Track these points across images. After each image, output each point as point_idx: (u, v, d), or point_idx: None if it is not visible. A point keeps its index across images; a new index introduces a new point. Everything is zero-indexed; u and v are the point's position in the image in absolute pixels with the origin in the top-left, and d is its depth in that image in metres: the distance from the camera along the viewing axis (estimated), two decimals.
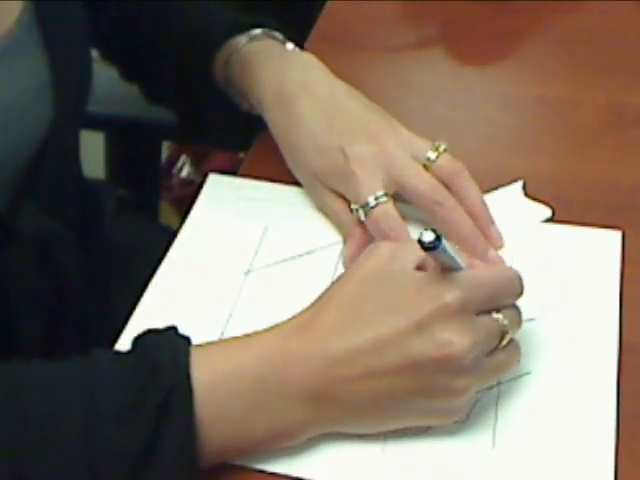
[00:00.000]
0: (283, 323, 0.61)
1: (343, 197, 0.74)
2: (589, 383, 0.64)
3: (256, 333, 0.61)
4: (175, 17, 0.90)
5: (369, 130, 0.73)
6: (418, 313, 0.58)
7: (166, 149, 1.65)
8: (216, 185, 0.81)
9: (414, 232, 0.72)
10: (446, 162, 0.73)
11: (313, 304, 0.61)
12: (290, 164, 0.78)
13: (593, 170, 0.82)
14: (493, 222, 0.74)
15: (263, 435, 0.59)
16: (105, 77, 0.99)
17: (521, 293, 0.62)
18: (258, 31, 0.84)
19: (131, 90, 0.98)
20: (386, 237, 0.70)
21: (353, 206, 0.72)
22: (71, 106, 0.78)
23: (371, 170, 0.72)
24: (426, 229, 0.56)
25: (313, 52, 0.86)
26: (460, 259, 0.60)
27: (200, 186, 0.82)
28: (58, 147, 0.76)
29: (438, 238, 0.56)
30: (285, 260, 0.74)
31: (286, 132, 0.77)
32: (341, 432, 0.61)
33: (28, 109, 0.73)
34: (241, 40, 0.83)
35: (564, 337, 0.68)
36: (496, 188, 0.78)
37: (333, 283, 0.62)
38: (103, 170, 1.20)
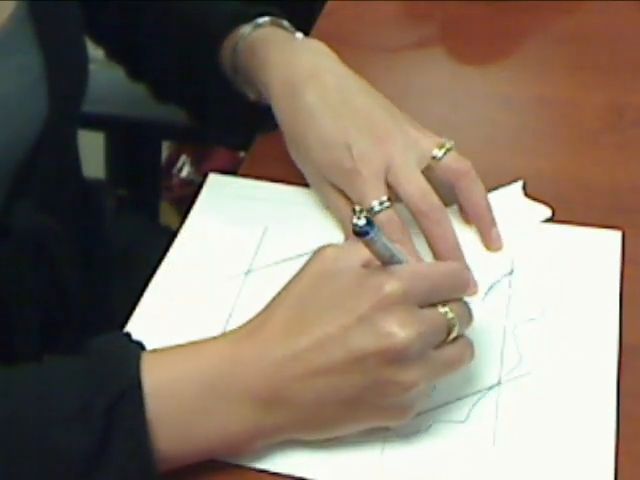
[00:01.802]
0: (235, 329, 0.61)
1: (345, 194, 0.74)
2: (589, 383, 0.64)
3: (208, 338, 0.61)
4: (177, 11, 0.90)
5: (376, 131, 0.73)
6: (359, 307, 0.58)
7: (166, 149, 1.65)
8: (216, 185, 0.81)
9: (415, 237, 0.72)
10: (452, 161, 0.72)
11: (263, 309, 0.61)
12: (294, 155, 0.78)
13: (593, 170, 0.82)
14: (495, 224, 0.73)
15: (215, 440, 0.59)
16: (105, 77, 0.99)
17: (467, 288, 0.62)
18: (265, 19, 0.83)
19: (131, 90, 0.98)
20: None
21: (356, 207, 0.72)
22: (66, 103, 0.78)
23: (375, 173, 0.71)
24: (365, 216, 0.56)
25: None
26: (401, 253, 0.60)
27: (200, 186, 0.82)
28: (53, 145, 0.76)
29: (370, 223, 0.56)
30: (285, 260, 0.74)
31: (292, 123, 0.76)
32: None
33: (22, 105, 0.73)
34: (247, 28, 0.83)
35: (564, 337, 0.67)
36: (496, 188, 0.78)
37: (282, 287, 0.62)
38: (103, 170, 1.20)
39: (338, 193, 0.74)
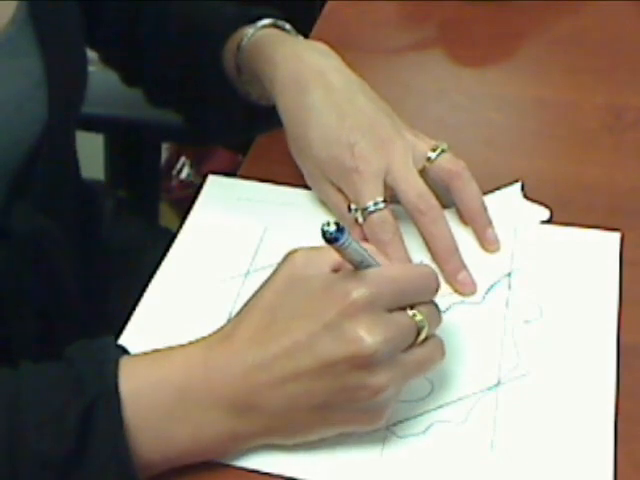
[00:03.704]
0: (208, 335, 0.61)
1: (343, 192, 0.74)
2: (588, 384, 0.64)
3: (183, 344, 0.61)
4: (178, 14, 0.90)
5: (378, 133, 0.73)
6: (327, 313, 0.58)
7: (165, 150, 1.65)
8: (215, 186, 0.82)
9: (409, 238, 0.72)
10: (445, 162, 0.73)
11: (236, 314, 0.62)
12: (294, 152, 0.78)
13: (592, 172, 0.82)
14: (490, 224, 0.74)
15: (188, 446, 0.59)
16: (105, 78, 0.99)
17: (436, 290, 0.61)
18: (268, 21, 0.83)
19: (131, 91, 0.98)
20: (380, 242, 0.70)
21: (352, 206, 0.73)
22: (66, 107, 0.78)
23: (375, 173, 0.72)
24: (336, 222, 0.56)
25: None
26: (371, 257, 0.60)
27: (199, 187, 0.82)
28: (52, 147, 0.76)
29: (340, 230, 0.56)
30: None
31: (296, 119, 0.77)
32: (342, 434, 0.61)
33: (22, 108, 0.73)
34: (251, 29, 0.83)
35: (563, 338, 0.68)
36: (495, 189, 0.78)
37: (254, 292, 0.62)
38: (102, 171, 1.20)
39: (336, 191, 0.75)
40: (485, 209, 0.74)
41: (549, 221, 0.76)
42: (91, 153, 1.13)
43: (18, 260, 0.75)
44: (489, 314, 0.69)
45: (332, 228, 0.56)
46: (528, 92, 0.92)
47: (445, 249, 0.72)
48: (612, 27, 0.99)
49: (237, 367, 0.58)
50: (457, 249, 0.72)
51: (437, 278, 0.62)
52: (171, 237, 0.77)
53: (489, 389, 0.64)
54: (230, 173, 0.83)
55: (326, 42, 0.80)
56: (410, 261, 0.72)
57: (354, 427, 0.60)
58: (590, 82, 0.91)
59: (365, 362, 0.57)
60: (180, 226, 0.78)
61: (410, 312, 0.60)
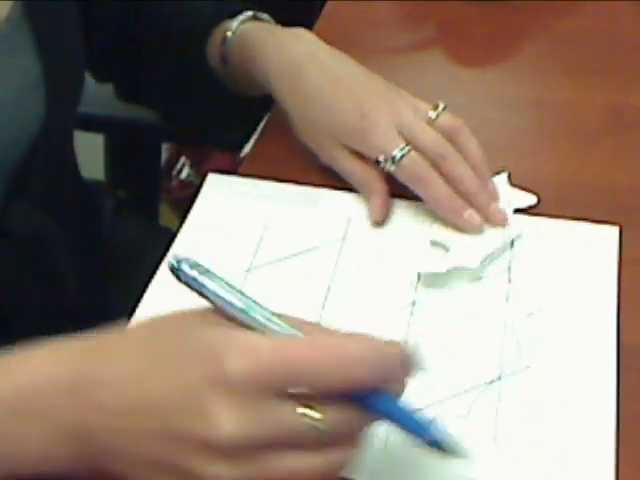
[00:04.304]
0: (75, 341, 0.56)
1: (359, 156, 0.77)
2: (589, 377, 0.65)
3: (28, 352, 0.54)
4: (157, 15, 0.90)
5: (381, 95, 0.77)
6: (189, 376, 0.48)
7: (165, 150, 1.65)
8: (215, 184, 0.82)
9: (421, 230, 0.74)
10: (446, 120, 0.77)
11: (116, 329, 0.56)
12: (303, 134, 0.80)
13: (592, 171, 0.82)
14: (491, 179, 0.76)
15: (17, 464, 0.53)
16: None
17: (358, 383, 0.48)
18: (248, 14, 0.86)
19: None
20: (421, 182, 0.74)
21: (380, 158, 0.75)
22: (63, 105, 0.78)
23: (389, 125, 0.75)
24: (183, 257, 0.49)
25: None
26: (272, 319, 0.50)
27: (200, 187, 0.82)
28: (50, 146, 0.76)
29: (181, 261, 0.49)
30: (285, 258, 0.74)
31: (296, 101, 0.79)
32: None
33: (20, 108, 0.73)
34: (233, 23, 0.85)
35: (563, 332, 0.68)
36: None
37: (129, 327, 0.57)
38: (102, 171, 1.20)
39: (352, 156, 0.77)
40: (486, 162, 0.76)
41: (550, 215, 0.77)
42: (91, 153, 1.14)
43: (18, 259, 0.75)
44: (489, 308, 0.70)
45: (173, 259, 0.49)
46: (528, 92, 0.92)
47: (473, 186, 0.74)
48: (612, 27, 0.99)
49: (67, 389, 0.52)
50: (487, 182, 0.76)
51: (368, 365, 0.48)
52: (171, 237, 0.77)
53: (491, 383, 0.64)
54: (230, 173, 0.83)
55: (326, 41, 0.81)
56: (454, 200, 0.74)
57: None
58: (590, 82, 0.91)
59: (211, 450, 0.47)
60: (180, 225, 0.78)
61: (300, 409, 0.47)
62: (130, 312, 0.71)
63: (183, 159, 1.69)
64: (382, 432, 0.61)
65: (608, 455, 0.60)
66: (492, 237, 0.74)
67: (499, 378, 0.65)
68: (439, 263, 0.71)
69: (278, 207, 0.79)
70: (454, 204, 0.74)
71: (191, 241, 0.76)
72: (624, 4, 1.01)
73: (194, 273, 0.49)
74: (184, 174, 1.69)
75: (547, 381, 0.65)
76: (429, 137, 0.75)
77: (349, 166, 0.78)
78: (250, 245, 0.75)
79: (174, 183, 1.67)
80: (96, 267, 0.89)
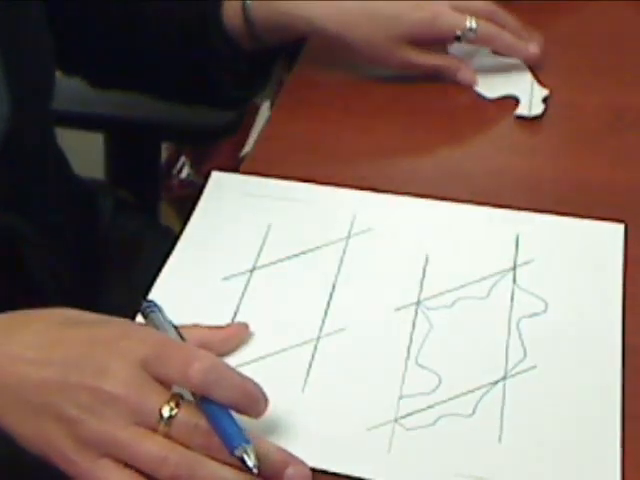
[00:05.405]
0: None
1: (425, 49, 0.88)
2: (594, 376, 0.65)
3: None
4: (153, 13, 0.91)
5: None
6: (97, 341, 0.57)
7: (165, 150, 1.65)
8: (219, 183, 0.81)
9: (426, 229, 0.75)
10: (482, 5, 0.90)
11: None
12: (365, 51, 0.87)
13: (593, 171, 0.82)
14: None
15: None
16: None
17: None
18: None
19: (131, 91, 0.99)
20: (494, 38, 0.89)
21: (458, 33, 0.87)
22: (31, 105, 0.77)
23: (446, 7, 0.87)
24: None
25: (312, 50, 0.86)
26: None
27: (200, 187, 0.82)
28: (20, 145, 0.75)
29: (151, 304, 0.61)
30: (289, 257, 0.74)
31: (354, 22, 0.86)
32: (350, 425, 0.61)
33: None
34: None
35: (568, 330, 0.68)
36: (497, 190, 0.78)
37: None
38: (102, 171, 1.20)
39: (418, 51, 0.88)
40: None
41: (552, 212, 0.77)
42: (91, 152, 1.14)
43: None
44: (494, 307, 0.70)
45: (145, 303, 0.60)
46: None
47: (523, 33, 0.90)
48: (613, 26, 0.99)
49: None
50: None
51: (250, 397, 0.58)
52: (171, 236, 0.77)
53: (496, 382, 0.64)
54: (231, 172, 0.83)
55: (326, 42, 0.81)
56: (519, 41, 0.90)
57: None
58: (591, 81, 0.91)
59: (100, 398, 0.55)
60: (183, 224, 0.78)
61: (166, 394, 0.56)
62: (131, 311, 0.70)
63: (183, 158, 1.69)
64: (387, 432, 0.61)
65: (613, 455, 0.60)
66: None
67: (504, 378, 0.65)
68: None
69: (282, 205, 0.78)
70: (519, 44, 0.90)
71: (195, 239, 0.76)
72: (624, 4, 1.01)
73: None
74: (184, 173, 1.69)
75: (552, 381, 0.65)
76: (479, 5, 0.89)
77: (423, 58, 0.89)
78: (254, 243, 0.75)
79: (174, 182, 1.67)
80: (96, 266, 0.89)
